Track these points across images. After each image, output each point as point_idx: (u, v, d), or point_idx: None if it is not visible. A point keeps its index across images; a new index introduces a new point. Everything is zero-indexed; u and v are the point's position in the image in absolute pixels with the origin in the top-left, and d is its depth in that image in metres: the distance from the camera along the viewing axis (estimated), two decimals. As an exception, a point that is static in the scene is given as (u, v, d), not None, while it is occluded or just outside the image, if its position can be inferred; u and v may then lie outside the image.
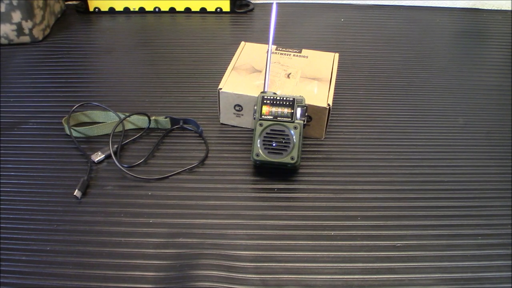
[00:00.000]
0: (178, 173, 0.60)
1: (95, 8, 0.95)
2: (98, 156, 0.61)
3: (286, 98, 0.59)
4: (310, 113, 0.62)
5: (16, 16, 0.80)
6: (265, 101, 0.59)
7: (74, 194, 0.56)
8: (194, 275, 0.48)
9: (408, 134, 0.67)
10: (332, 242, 0.52)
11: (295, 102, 0.58)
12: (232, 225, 0.54)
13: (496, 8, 1.02)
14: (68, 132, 0.65)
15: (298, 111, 0.58)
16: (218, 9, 0.97)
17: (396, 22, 0.96)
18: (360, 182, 0.59)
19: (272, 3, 0.86)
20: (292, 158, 0.56)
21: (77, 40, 0.87)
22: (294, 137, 0.57)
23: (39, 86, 0.75)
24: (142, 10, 0.96)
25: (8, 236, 0.52)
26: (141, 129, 0.67)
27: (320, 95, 0.63)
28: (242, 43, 0.74)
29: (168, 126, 0.67)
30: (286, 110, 0.58)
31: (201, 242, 0.52)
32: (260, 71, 0.68)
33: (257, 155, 0.57)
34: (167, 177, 0.59)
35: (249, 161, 0.62)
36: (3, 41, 0.84)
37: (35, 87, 0.75)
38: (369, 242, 0.52)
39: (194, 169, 0.61)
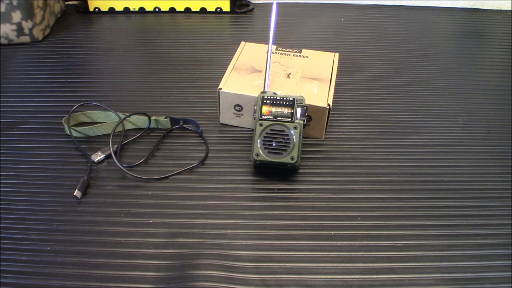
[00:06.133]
0: (178, 173, 0.60)
1: (95, 8, 0.95)
2: (98, 156, 0.61)
3: (286, 98, 0.59)
4: (310, 113, 0.62)
5: (16, 16, 0.80)
6: (265, 101, 0.59)
7: (74, 194, 0.56)
8: (194, 275, 0.48)
9: (408, 134, 0.67)
10: (332, 242, 0.52)
11: (295, 102, 0.58)
12: (232, 225, 0.54)
13: (496, 8, 1.02)
14: (68, 132, 0.65)
15: (298, 111, 0.58)
16: (218, 9, 0.97)
17: (396, 22, 0.96)
18: (360, 182, 0.59)
19: (272, 3, 0.86)
20: (292, 158, 0.56)
21: (77, 40, 0.87)
22: (294, 137, 0.57)
23: (39, 86, 0.75)
24: (142, 10, 0.96)
25: (8, 236, 0.52)
26: (141, 129, 0.67)
27: (320, 95, 0.63)
28: (242, 43, 0.74)
29: (168, 126, 0.67)
30: (286, 110, 0.58)
31: (201, 242, 0.52)
32: (260, 71, 0.68)
33: (257, 155, 0.57)
34: (167, 177, 0.59)
35: (249, 161, 0.62)
36: (3, 41, 0.84)
37: (35, 87, 0.75)
38: (369, 242, 0.52)
39: (194, 169, 0.61)
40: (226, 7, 0.96)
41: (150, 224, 0.54)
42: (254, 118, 0.58)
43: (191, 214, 0.55)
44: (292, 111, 0.58)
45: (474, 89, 0.77)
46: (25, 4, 0.80)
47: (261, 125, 0.58)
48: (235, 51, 0.72)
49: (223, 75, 0.67)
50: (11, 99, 0.72)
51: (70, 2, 1.00)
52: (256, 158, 0.57)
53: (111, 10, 0.96)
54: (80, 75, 0.78)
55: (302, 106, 0.58)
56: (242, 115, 0.66)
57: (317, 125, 0.64)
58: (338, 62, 0.73)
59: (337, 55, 0.72)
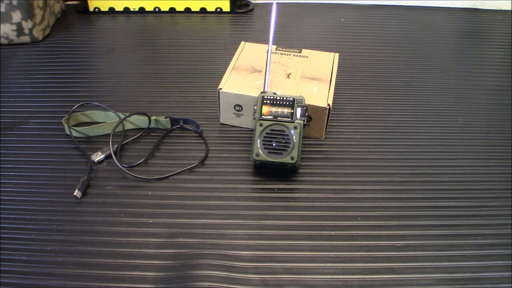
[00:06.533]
0: (178, 173, 0.60)
1: (95, 8, 0.95)
2: (98, 156, 0.61)
3: (286, 98, 0.59)
4: (310, 113, 0.62)
5: (16, 16, 0.80)
6: (265, 101, 0.59)
7: (74, 194, 0.56)
8: (194, 275, 0.48)
9: (408, 134, 0.67)
10: (332, 242, 0.52)
11: (295, 102, 0.58)
12: (232, 225, 0.54)
13: (496, 8, 1.02)
14: (68, 132, 0.65)
15: (298, 111, 0.58)
16: (218, 9, 0.97)
17: (396, 22, 0.96)
18: (360, 182, 0.59)
19: (272, 3, 0.86)
20: (292, 158, 0.56)
21: (77, 40, 0.87)
22: (294, 137, 0.57)
23: (39, 86, 0.75)
24: (142, 10, 0.96)
25: (8, 236, 0.52)
26: (141, 129, 0.67)
27: (320, 95, 0.63)
28: (242, 43, 0.74)
29: (168, 126, 0.67)
30: (286, 110, 0.58)
31: (201, 242, 0.52)
32: (260, 71, 0.68)
33: (257, 155, 0.57)
34: (167, 177, 0.59)
35: (249, 161, 0.62)
36: (3, 41, 0.84)
37: (35, 87, 0.75)
38: (369, 242, 0.52)
39: (194, 169, 0.61)
40: (226, 7, 0.96)
41: (150, 224, 0.54)
42: (254, 118, 0.58)
43: (191, 214, 0.55)
44: (292, 111, 0.58)
45: (474, 89, 0.77)
46: (25, 4, 0.80)
47: (261, 125, 0.58)
48: (235, 51, 0.72)
49: (223, 75, 0.67)
50: (11, 99, 0.72)
51: (70, 2, 1.00)
52: (256, 158, 0.57)
53: (111, 10, 0.96)
54: (80, 75, 0.78)
55: (302, 106, 0.58)
56: (242, 115, 0.66)
57: (317, 125, 0.64)
58: (338, 62, 0.73)
59: (337, 55, 0.72)
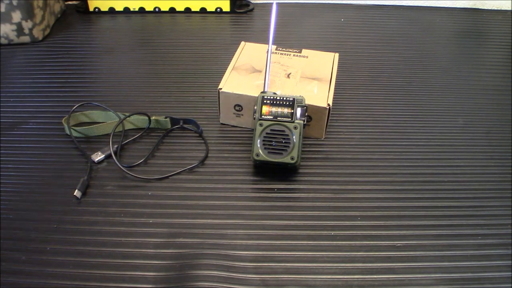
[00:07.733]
0: (178, 173, 0.60)
1: (95, 8, 0.95)
2: (98, 156, 0.61)
3: (286, 98, 0.59)
4: (310, 113, 0.62)
5: (16, 16, 0.80)
6: (265, 101, 0.59)
7: (74, 194, 0.56)
8: (194, 275, 0.48)
9: (408, 134, 0.67)
10: (332, 242, 0.52)
11: (295, 102, 0.58)
12: (232, 225, 0.54)
13: (496, 8, 1.02)
14: (68, 132, 0.65)
15: (298, 111, 0.58)
16: (218, 9, 0.97)
17: (396, 22, 0.96)
18: (360, 182, 0.59)
19: (272, 3, 0.86)
20: (292, 158, 0.56)
21: (77, 40, 0.87)
22: (294, 137, 0.57)
23: (39, 86, 0.75)
24: (142, 10, 0.96)
25: (8, 236, 0.52)
26: (141, 129, 0.67)
27: (320, 95, 0.63)
28: (242, 43, 0.74)
29: (168, 126, 0.67)
30: (286, 110, 0.58)
31: (201, 242, 0.52)
32: (260, 71, 0.68)
33: (257, 155, 0.57)
34: (167, 177, 0.59)
35: (249, 161, 0.62)
36: (3, 41, 0.84)
37: (35, 87, 0.75)
38: (369, 242, 0.52)
39: (194, 169, 0.61)
40: (226, 7, 0.96)
41: (150, 224, 0.54)
42: (254, 118, 0.58)
43: (191, 214, 0.55)
44: (292, 111, 0.58)
45: (474, 89, 0.77)
46: (25, 4, 0.80)
47: (261, 125, 0.58)
48: (235, 51, 0.72)
49: (223, 75, 0.67)
50: (11, 99, 0.72)
51: (70, 2, 1.00)
52: (256, 158, 0.57)
53: (111, 10, 0.96)
54: (80, 75, 0.78)
55: (302, 106, 0.58)
56: (242, 115, 0.66)
57: (317, 125, 0.64)
58: (338, 62, 0.73)
59: (337, 55, 0.72)
